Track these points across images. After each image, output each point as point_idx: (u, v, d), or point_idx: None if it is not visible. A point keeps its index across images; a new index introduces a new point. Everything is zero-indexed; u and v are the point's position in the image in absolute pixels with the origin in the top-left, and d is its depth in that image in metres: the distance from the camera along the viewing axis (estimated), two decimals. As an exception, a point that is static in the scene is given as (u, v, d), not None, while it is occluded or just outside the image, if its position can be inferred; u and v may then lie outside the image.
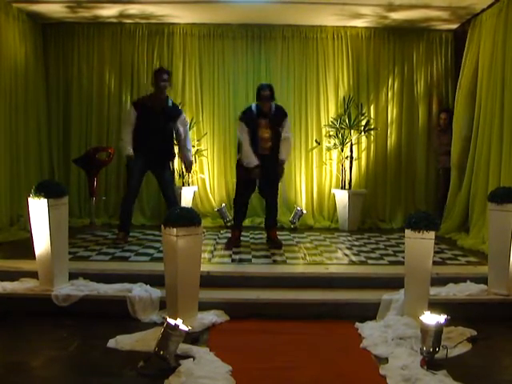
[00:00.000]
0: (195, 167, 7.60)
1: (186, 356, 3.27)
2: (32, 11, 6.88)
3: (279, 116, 5.64)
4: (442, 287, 4.39)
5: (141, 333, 3.72)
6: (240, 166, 5.65)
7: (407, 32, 7.56)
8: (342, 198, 7.26)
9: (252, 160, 5.44)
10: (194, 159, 6.39)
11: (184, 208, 4.13)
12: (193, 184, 7.57)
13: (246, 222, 7.21)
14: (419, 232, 3.87)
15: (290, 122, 6.12)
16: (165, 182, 5.97)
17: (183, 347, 3.32)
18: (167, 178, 6.01)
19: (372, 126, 7.43)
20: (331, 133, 7.42)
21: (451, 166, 6.96)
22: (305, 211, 7.39)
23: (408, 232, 3.95)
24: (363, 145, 7.66)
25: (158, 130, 5.75)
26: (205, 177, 7.74)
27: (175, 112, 5.94)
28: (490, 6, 6.26)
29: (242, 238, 6.01)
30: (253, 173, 5.47)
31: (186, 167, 6.26)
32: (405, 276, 4.00)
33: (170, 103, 5.94)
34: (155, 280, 4.27)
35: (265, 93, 5.51)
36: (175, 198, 6.11)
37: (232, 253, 5.47)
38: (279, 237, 5.96)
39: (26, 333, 3.80)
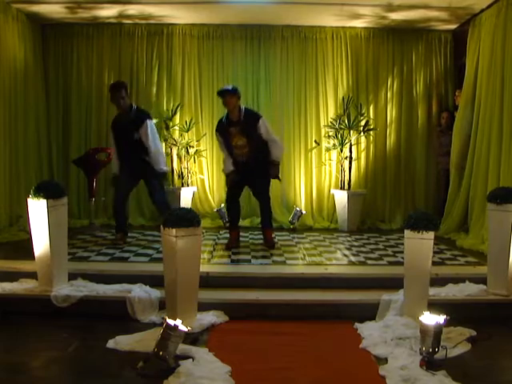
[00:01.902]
0: (194, 168, 7.61)
1: (186, 356, 3.27)
2: (31, 12, 6.89)
3: (250, 121, 5.50)
4: (442, 287, 4.39)
5: (140, 333, 3.72)
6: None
7: (406, 32, 7.57)
8: (341, 198, 7.25)
9: (227, 167, 5.66)
10: (166, 167, 5.88)
11: (183, 209, 4.12)
12: (192, 184, 7.57)
13: (246, 223, 7.23)
14: (418, 232, 3.87)
15: (269, 122, 5.74)
16: (151, 187, 5.79)
17: (182, 348, 3.31)
18: (153, 185, 5.76)
19: (371, 127, 7.43)
20: (330, 133, 7.41)
21: (450, 166, 6.96)
22: (304, 211, 7.38)
23: (407, 232, 3.95)
24: (362, 145, 7.66)
25: (127, 144, 5.62)
26: (204, 177, 7.75)
27: (138, 121, 5.60)
28: (489, 7, 6.27)
29: (241, 239, 6.02)
30: (229, 178, 5.66)
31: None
32: (404, 276, 4.00)
33: (133, 112, 5.65)
34: (154, 281, 4.26)
35: (224, 99, 5.44)
36: (163, 203, 5.71)
37: (231, 253, 5.47)
38: (278, 237, 5.96)
39: (25, 333, 3.79)
